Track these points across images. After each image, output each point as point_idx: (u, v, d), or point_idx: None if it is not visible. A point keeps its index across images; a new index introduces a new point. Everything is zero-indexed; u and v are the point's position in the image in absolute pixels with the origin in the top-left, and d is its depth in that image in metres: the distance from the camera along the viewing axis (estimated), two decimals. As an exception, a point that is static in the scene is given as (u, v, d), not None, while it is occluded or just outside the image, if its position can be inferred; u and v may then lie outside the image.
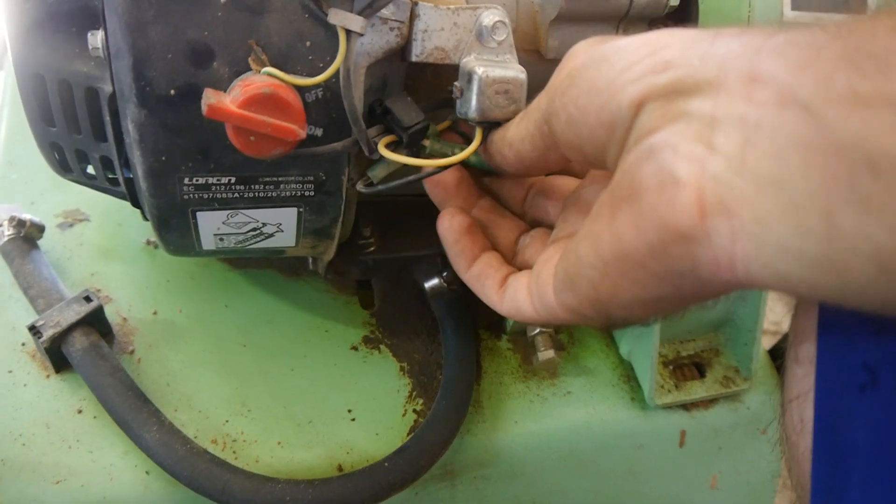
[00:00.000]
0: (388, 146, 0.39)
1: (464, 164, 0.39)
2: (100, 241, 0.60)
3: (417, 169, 0.39)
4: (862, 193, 0.20)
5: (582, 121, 0.28)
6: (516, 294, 0.35)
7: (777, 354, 0.63)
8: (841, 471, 0.27)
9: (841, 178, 0.20)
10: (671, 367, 0.60)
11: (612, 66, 0.27)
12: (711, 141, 0.23)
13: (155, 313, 0.56)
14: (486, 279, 0.38)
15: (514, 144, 0.35)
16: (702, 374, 0.60)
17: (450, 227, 0.39)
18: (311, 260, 0.56)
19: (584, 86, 0.28)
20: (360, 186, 0.41)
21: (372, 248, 0.53)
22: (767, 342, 0.61)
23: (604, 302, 0.28)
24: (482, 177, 0.42)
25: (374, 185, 0.40)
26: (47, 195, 0.63)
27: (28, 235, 0.56)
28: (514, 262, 0.39)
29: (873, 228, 0.20)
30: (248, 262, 0.60)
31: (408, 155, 0.39)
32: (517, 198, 0.42)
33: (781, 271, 0.22)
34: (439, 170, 0.39)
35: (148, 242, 0.61)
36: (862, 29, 0.21)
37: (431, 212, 0.41)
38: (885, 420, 0.26)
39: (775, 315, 0.98)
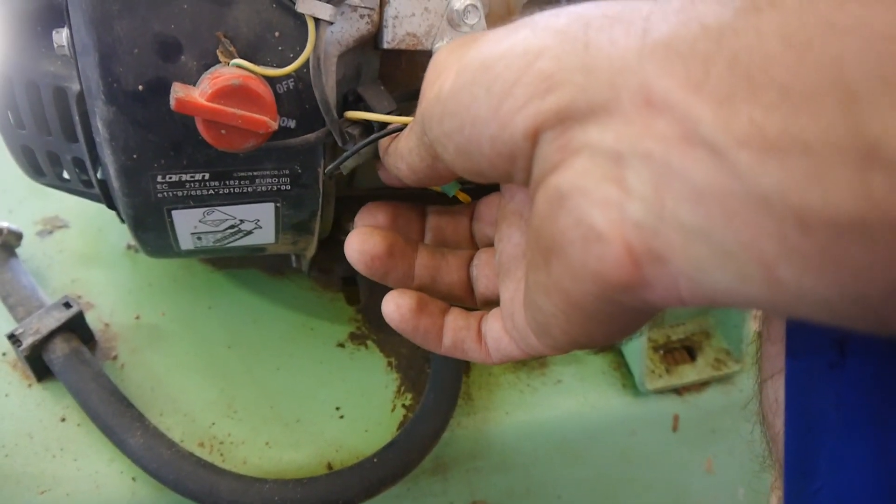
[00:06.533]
0: (360, 135, 0.38)
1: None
2: (80, 248, 0.59)
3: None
4: (795, 249, 0.18)
5: (476, 151, 0.27)
6: (499, 344, 0.34)
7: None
8: (811, 449, 0.27)
9: (770, 232, 0.18)
10: (661, 352, 0.59)
11: (489, 90, 0.25)
12: (622, 181, 0.22)
13: (137, 318, 0.56)
14: (462, 345, 0.36)
15: (403, 156, 0.33)
16: (693, 358, 0.60)
17: (400, 317, 0.36)
18: (294, 257, 0.56)
19: (464, 115, 0.26)
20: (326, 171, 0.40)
21: (355, 244, 0.52)
22: (758, 323, 0.61)
23: (582, 341, 0.28)
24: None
25: (339, 170, 0.39)
26: (25, 203, 0.62)
27: (5, 244, 0.55)
28: (475, 297, 0.38)
29: (817, 286, 0.18)
30: (230, 261, 0.60)
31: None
32: (461, 228, 0.40)
33: (733, 302, 0.21)
34: (403, 127, 0.36)
35: (129, 247, 0.60)
36: (747, 31, 0.19)
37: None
38: (854, 398, 0.26)
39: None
